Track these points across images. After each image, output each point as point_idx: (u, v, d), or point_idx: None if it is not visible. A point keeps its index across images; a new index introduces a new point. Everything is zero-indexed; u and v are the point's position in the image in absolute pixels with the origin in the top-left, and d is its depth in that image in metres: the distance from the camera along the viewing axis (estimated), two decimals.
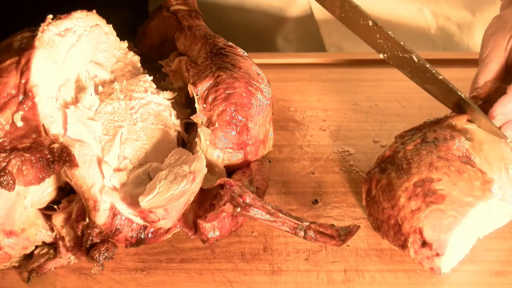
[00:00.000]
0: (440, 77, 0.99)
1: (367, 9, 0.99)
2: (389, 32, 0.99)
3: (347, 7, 0.99)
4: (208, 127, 0.93)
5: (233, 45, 1.01)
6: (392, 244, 0.93)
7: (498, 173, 0.92)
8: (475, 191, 0.89)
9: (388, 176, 0.93)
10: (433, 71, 0.99)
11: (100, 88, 0.98)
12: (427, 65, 0.99)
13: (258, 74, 0.98)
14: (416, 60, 0.99)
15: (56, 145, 0.88)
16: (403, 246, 0.91)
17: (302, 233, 0.86)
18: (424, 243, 0.88)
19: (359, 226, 0.89)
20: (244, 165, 0.96)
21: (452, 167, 0.90)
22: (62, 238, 0.90)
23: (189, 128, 1.01)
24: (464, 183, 0.89)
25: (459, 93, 0.99)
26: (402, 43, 0.99)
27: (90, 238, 0.87)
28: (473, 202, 0.88)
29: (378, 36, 0.99)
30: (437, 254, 0.88)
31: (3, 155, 0.85)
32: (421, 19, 1.41)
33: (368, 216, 0.96)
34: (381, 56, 1.02)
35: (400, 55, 1.00)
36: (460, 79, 1.02)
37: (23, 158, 0.85)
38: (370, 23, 0.98)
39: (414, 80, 1.02)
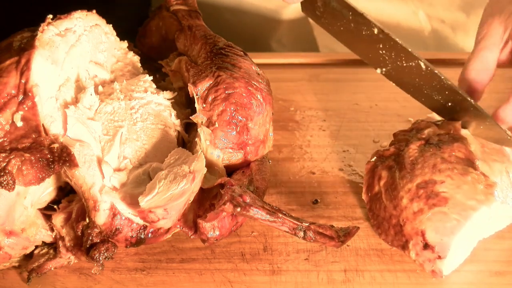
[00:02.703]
0: (449, 82, 0.95)
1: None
2: (397, 39, 0.94)
3: (351, 16, 0.94)
4: (208, 127, 0.93)
5: (233, 45, 1.01)
6: (390, 243, 0.93)
7: (499, 177, 0.91)
8: (478, 194, 0.89)
9: (393, 175, 0.93)
10: (442, 77, 0.95)
11: (100, 88, 0.98)
12: (436, 71, 0.94)
13: (258, 74, 0.98)
14: (424, 67, 0.94)
15: (56, 145, 0.87)
16: (404, 247, 0.91)
17: (301, 234, 0.86)
18: (426, 246, 0.88)
19: (359, 227, 0.89)
20: (244, 165, 0.96)
21: (456, 170, 0.90)
22: (62, 238, 0.90)
23: (189, 128, 1.01)
24: (467, 186, 0.89)
25: (470, 100, 0.94)
26: (410, 50, 0.94)
27: (90, 238, 0.87)
28: (476, 206, 0.88)
29: (381, 46, 0.95)
30: (439, 257, 0.88)
31: (3, 155, 0.85)
32: (415, 22, 1.40)
33: (368, 211, 0.96)
34: (378, 71, 0.99)
35: (404, 64, 0.95)
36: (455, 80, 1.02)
37: (23, 158, 0.85)
38: (376, 31, 0.94)
39: (412, 93, 1.00)
